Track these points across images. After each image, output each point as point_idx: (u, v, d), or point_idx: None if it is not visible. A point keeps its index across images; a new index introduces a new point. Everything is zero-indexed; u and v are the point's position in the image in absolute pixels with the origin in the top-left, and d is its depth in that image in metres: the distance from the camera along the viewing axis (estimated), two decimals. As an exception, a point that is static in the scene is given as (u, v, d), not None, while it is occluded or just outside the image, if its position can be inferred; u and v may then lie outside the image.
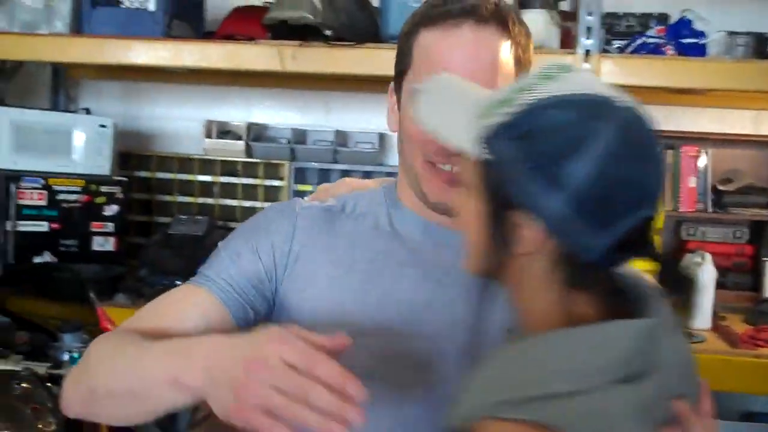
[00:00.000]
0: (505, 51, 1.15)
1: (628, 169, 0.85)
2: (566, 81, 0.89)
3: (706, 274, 2.59)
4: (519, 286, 0.94)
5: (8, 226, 2.67)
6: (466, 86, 1.04)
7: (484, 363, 0.91)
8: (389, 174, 3.23)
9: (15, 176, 2.71)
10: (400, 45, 1.23)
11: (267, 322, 1.21)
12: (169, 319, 1.18)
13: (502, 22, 1.16)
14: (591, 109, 0.86)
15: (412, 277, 1.21)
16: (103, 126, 2.89)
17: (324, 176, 3.09)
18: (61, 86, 3.34)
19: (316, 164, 3.12)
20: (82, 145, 2.85)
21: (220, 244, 1.29)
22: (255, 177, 3.15)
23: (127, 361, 1.09)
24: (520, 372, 0.86)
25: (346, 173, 3.19)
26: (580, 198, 0.84)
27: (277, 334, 0.93)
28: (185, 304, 1.21)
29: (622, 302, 0.93)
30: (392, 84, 1.27)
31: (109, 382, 1.12)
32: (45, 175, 2.75)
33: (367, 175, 3.22)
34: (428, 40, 1.17)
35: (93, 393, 1.14)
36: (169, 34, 2.69)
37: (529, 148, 0.85)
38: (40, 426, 1.64)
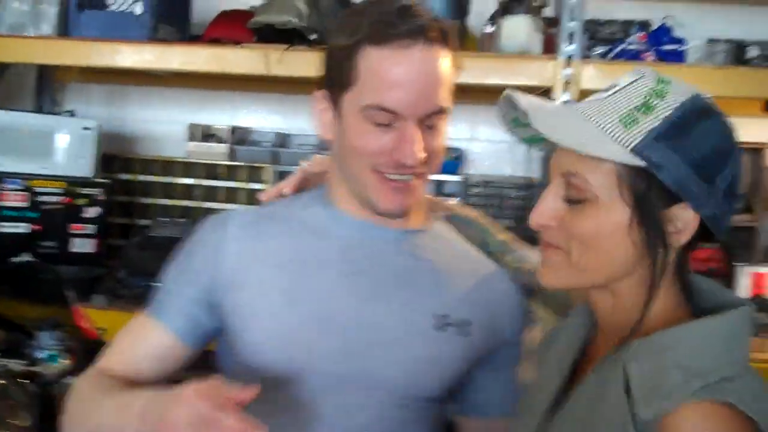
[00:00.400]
0: (448, 66, 1.21)
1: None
2: (679, 82, 1.00)
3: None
4: (644, 282, 1.01)
5: (-12, 227, 2.67)
6: (544, 102, 1.07)
7: (638, 354, 0.96)
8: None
9: (-4, 178, 2.71)
10: (338, 57, 1.24)
11: (220, 333, 1.29)
12: (127, 357, 1.30)
13: (446, 39, 1.22)
14: (718, 111, 1.00)
15: (342, 273, 1.26)
16: (86, 128, 2.89)
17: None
18: (47, 88, 3.34)
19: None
20: (65, 147, 2.85)
21: (166, 270, 1.35)
22: (238, 180, 3.16)
23: (92, 412, 1.22)
24: (690, 360, 0.94)
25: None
26: (730, 190, 0.99)
27: (190, 393, 1.02)
28: (140, 340, 1.31)
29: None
30: (321, 91, 1.29)
31: (83, 430, 1.24)
32: (26, 177, 2.75)
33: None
34: (378, 59, 1.19)
35: None
36: (155, 37, 2.70)
37: (688, 150, 0.96)
38: (16, 422, 1.65)
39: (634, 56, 2.58)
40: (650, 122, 0.96)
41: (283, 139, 3.19)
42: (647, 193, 0.97)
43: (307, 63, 2.52)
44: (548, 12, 2.70)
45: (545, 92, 2.54)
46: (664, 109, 0.97)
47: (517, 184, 3.11)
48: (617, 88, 1.01)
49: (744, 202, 3.05)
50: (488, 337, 1.31)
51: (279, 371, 1.22)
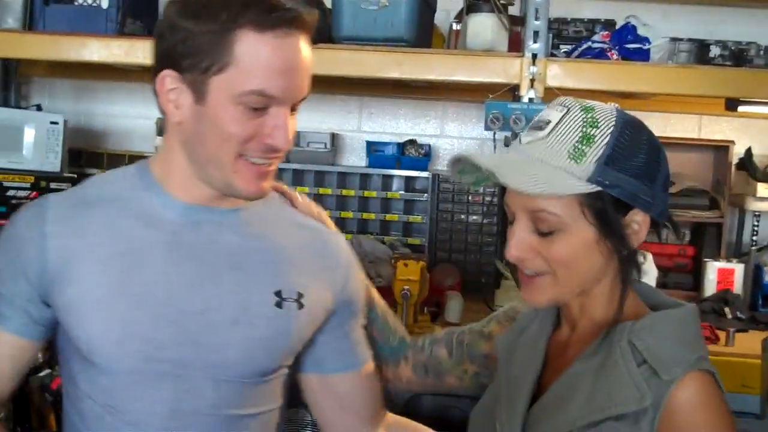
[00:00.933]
0: (311, 55, 1.24)
1: None
2: (599, 105, 1.14)
3: (648, 273, 2.64)
4: (611, 281, 1.17)
5: (-45, 221, 2.65)
6: (496, 156, 1.24)
7: (643, 334, 1.12)
8: (342, 174, 3.27)
9: (-37, 172, 2.70)
10: (203, 40, 1.19)
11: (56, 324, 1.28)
12: None
13: (312, 29, 1.24)
14: (636, 120, 1.14)
15: (172, 260, 1.26)
16: (54, 123, 2.88)
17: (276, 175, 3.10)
18: (13, 83, 3.33)
19: (268, 163, 3.12)
20: (32, 142, 2.84)
21: None
22: (207, 175, 3.16)
23: None
24: (684, 338, 1.12)
25: (298, 173, 3.21)
26: (665, 182, 1.15)
27: None
28: None
29: None
30: (170, 71, 1.21)
31: None
32: (-7, 171, 2.74)
33: (319, 175, 3.24)
34: (260, 45, 1.18)
35: None
36: (122, 31, 2.69)
37: (632, 164, 1.11)
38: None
39: (598, 54, 2.62)
40: (595, 151, 1.10)
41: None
42: (605, 209, 1.11)
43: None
44: (514, 10, 2.74)
45: (512, 89, 2.58)
46: (603, 136, 1.10)
47: (484, 180, 3.13)
48: (552, 125, 1.13)
49: (710, 199, 3.09)
50: (324, 303, 1.34)
51: (114, 362, 1.23)
